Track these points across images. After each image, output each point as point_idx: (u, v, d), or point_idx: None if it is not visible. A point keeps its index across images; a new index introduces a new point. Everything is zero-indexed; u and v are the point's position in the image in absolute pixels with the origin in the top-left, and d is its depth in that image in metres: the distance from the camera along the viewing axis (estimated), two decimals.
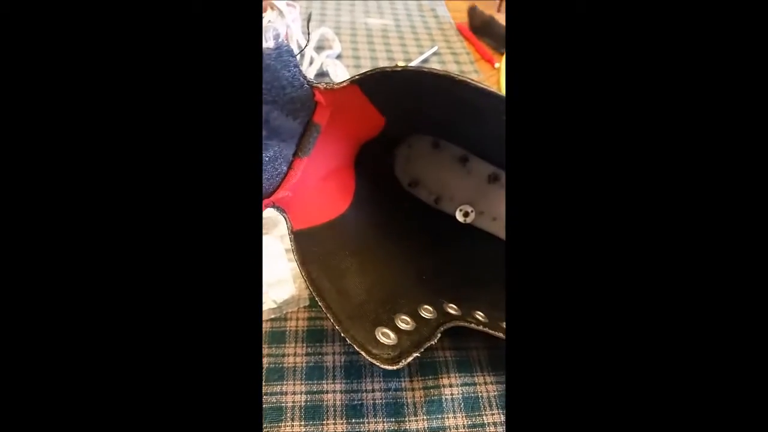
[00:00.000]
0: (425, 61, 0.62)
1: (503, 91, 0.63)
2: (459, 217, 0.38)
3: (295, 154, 0.24)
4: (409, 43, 0.67)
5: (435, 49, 0.65)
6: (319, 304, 0.26)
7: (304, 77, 0.22)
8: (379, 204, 0.34)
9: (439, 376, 0.30)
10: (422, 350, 0.25)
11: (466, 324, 0.27)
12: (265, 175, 0.23)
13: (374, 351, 0.24)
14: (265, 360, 0.29)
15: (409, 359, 0.24)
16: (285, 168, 0.24)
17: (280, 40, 0.20)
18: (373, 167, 0.34)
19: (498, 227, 0.37)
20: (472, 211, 0.37)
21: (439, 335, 0.26)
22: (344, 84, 0.23)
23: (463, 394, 0.29)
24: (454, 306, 0.29)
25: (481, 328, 0.27)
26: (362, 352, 0.24)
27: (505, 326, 0.28)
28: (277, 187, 0.25)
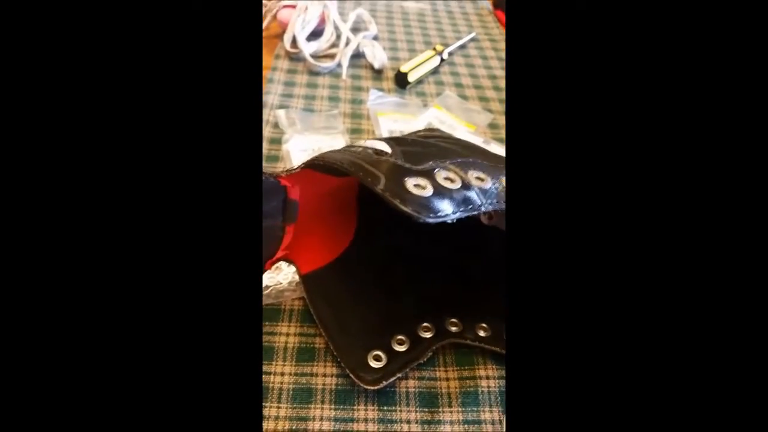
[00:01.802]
0: (463, 46, 0.60)
1: None
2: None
3: (283, 222, 0.28)
4: (446, 27, 0.65)
5: (473, 35, 0.63)
6: (323, 333, 0.28)
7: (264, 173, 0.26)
8: (393, 227, 0.34)
9: (476, 367, 0.28)
10: (407, 370, 0.27)
11: (461, 341, 0.29)
12: (264, 242, 0.27)
13: (361, 374, 0.26)
14: (296, 339, 0.29)
15: (392, 380, 0.26)
16: (280, 233, 0.28)
17: None
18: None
19: None
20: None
21: (430, 354, 0.28)
22: (296, 169, 0.25)
23: (500, 387, 0.27)
24: (456, 321, 0.29)
25: (476, 344, 0.28)
26: (351, 375, 0.26)
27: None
28: (278, 249, 0.28)
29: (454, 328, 0.29)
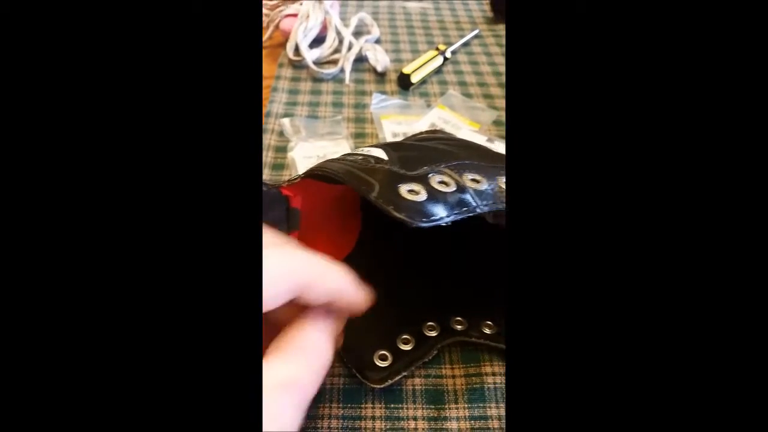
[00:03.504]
0: (467, 44, 0.60)
1: None
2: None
3: (287, 231, 0.29)
4: (450, 26, 0.65)
5: (476, 32, 0.63)
6: None
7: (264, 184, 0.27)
8: (397, 230, 0.34)
9: (482, 364, 0.29)
10: (413, 368, 0.27)
11: (467, 339, 0.29)
12: None
13: (368, 374, 0.26)
14: None
15: (398, 378, 0.26)
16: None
17: None
18: None
19: None
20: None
21: (435, 352, 0.28)
22: (297, 179, 0.26)
23: (506, 383, 0.28)
24: (461, 319, 0.29)
25: (482, 341, 0.29)
26: (358, 375, 0.26)
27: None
28: None
29: (459, 327, 0.29)
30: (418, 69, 0.52)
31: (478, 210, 0.22)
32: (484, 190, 0.23)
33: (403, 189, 0.21)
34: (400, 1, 0.71)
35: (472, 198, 0.22)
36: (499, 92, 0.52)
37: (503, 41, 0.62)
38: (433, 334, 0.29)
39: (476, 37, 0.62)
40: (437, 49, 0.56)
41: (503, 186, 0.23)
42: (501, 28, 0.65)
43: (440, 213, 0.20)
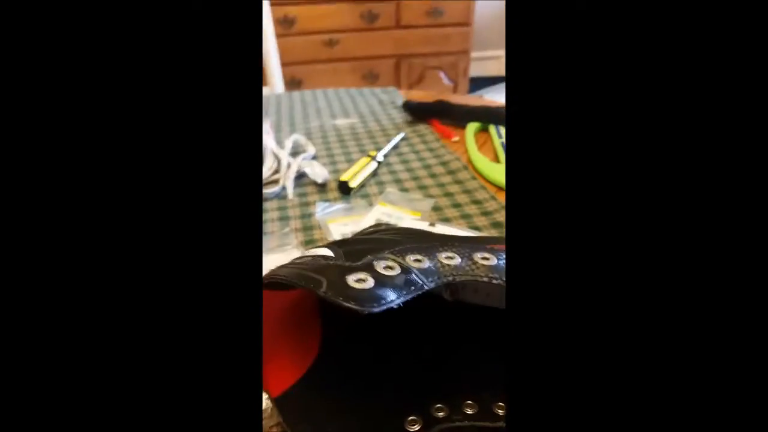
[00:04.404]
0: (395, 146, 0.66)
1: (471, 154, 0.64)
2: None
3: None
4: (377, 134, 0.72)
5: (402, 135, 0.69)
6: None
7: None
8: (358, 326, 0.34)
9: None
10: None
11: (450, 424, 0.28)
12: None
13: None
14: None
15: None
16: None
17: None
18: None
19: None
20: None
21: None
22: None
23: None
24: (441, 405, 0.29)
25: (466, 423, 0.28)
26: None
27: (498, 408, 0.28)
28: None
29: (440, 414, 0.28)
30: (355, 175, 0.56)
31: (425, 287, 0.23)
32: (426, 267, 0.24)
33: (351, 279, 0.21)
34: (329, 119, 0.78)
35: (418, 276, 0.23)
36: (432, 182, 0.56)
37: (427, 138, 0.69)
38: (416, 428, 0.27)
39: (403, 139, 0.69)
40: (369, 155, 0.61)
41: (443, 260, 0.25)
42: (422, 128, 0.72)
43: (389, 296, 0.21)
